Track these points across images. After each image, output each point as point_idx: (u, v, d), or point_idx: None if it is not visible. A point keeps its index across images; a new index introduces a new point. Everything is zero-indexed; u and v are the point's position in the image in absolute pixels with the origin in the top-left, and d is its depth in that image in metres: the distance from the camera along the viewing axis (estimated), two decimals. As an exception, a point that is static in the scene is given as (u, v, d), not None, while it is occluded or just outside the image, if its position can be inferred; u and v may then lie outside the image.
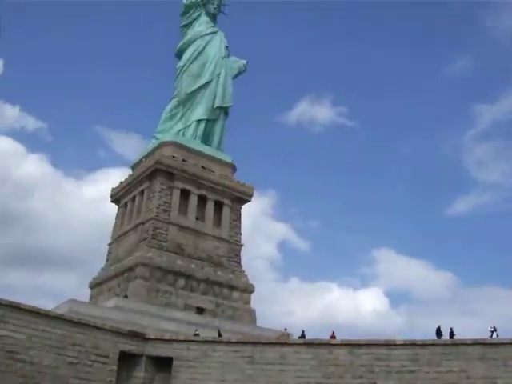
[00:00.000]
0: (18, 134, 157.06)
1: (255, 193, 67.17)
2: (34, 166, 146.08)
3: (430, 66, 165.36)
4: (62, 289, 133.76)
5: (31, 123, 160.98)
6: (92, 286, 63.79)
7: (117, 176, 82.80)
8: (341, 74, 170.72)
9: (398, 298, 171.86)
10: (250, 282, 61.64)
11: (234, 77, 70.03)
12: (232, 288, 59.55)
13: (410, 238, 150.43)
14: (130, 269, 56.16)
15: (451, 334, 38.81)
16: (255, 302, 61.68)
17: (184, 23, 71.38)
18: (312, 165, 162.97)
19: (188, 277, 56.99)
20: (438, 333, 39.77)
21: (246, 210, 67.33)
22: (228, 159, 67.35)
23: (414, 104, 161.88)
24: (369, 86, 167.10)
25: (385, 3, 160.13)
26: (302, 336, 43.55)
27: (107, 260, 64.94)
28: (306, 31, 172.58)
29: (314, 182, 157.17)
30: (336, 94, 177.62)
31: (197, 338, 41.46)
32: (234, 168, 67.19)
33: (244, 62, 71.20)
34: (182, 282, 56.52)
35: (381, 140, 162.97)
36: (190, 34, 70.17)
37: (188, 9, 70.94)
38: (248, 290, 60.88)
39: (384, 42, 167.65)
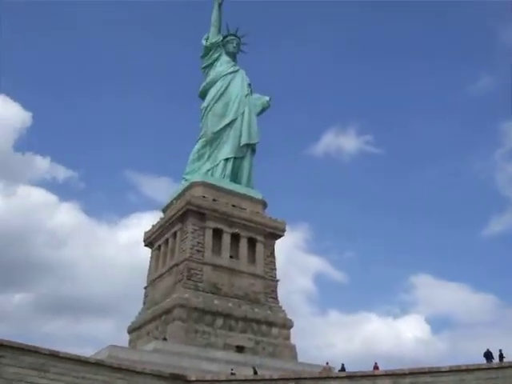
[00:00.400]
0: (49, 185, 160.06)
1: (287, 227, 67.04)
2: (66, 215, 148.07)
3: (453, 85, 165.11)
4: (100, 335, 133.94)
5: (62, 173, 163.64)
6: (130, 331, 63.81)
7: (149, 219, 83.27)
8: (364, 103, 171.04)
9: (439, 323, 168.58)
10: (289, 317, 61.07)
11: (258, 114, 70.51)
12: (270, 324, 59.06)
13: (446, 262, 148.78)
14: (168, 311, 56.08)
15: (501, 357, 37.56)
16: (295, 337, 61.15)
17: (205, 64, 72.36)
18: (343, 195, 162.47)
19: (226, 316, 56.71)
20: (488, 356, 38.46)
21: (280, 244, 67.23)
22: (258, 196, 67.41)
23: (440, 126, 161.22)
24: (392, 112, 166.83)
25: (400, 26, 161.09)
26: (342, 369, 42.95)
27: (144, 304, 64.98)
28: (325, 63, 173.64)
29: (346, 212, 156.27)
30: (361, 123, 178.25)
31: (239, 377, 40.98)
32: (264, 204, 67.18)
33: (267, 98, 71.79)
34: (220, 321, 56.25)
35: (409, 165, 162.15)
36: (212, 74, 71.07)
37: (208, 50, 71.99)
38: (287, 325, 60.29)
39: (404, 65, 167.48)
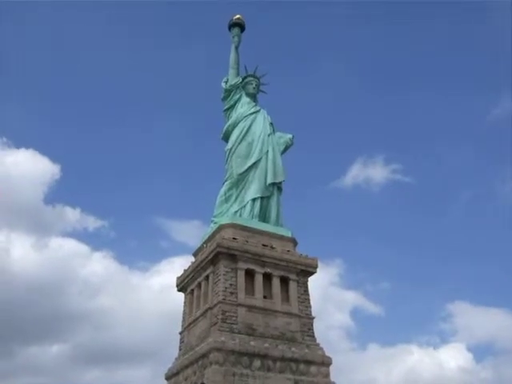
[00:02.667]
0: (81, 235, 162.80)
1: (320, 263, 66.36)
2: (99, 264, 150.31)
3: (478, 110, 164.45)
4: (137, 383, 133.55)
5: (92, 222, 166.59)
6: (168, 377, 63.37)
7: (180, 264, 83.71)
8: (389, 132, 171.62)
9: (481, 351, 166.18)
10: (327, 354, 60.04)
11: (282, 152, 70.76)
12: (309, 363, 58.03)
13: (483, 287, 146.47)
14: (204, 355, 55.54)
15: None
16: (334, 374, 59.93)
17: (226, 107, 73.29)
18: (374, 227, 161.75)
19: (263, 357, 55.93)
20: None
21: (313, 281, 66.43)
22: (288, 234, 67.12)
23: (468, 151, 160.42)
24: (418, 140, 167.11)
25: (420, 52, 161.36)
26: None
27: (180, 349, 64.62)
28: (345, 95, 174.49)
29: (378, 244, 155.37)
30: (387, 152, 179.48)
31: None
32: (294, 242, 66.85)
33: (290, 136, 72.13)
34: (257, 362, 55.51)
35: (439, 191, 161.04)
36: (234, 116, 71.74)
37: (229, 93, 73.04)
38: (325, 362, 59.27)
39: (425, 92, 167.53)
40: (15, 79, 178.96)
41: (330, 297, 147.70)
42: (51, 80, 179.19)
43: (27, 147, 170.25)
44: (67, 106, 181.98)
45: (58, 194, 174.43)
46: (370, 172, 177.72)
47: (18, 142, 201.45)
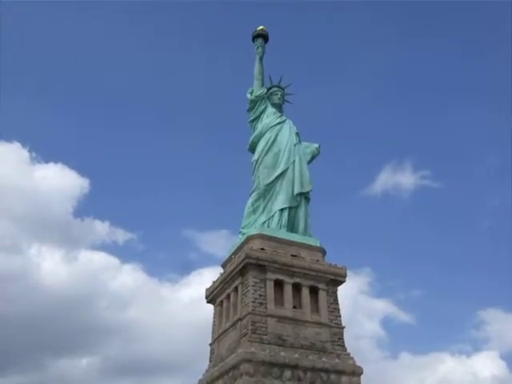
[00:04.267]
0: (110, 248, 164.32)
1: (350, 272, 65.89)
2: (129, 276, 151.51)
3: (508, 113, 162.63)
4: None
5: (121, 235, 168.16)
6: (198, 389, 63.38)
7: (209, 276, 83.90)
8: (417, 138, 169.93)
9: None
10: (358, 364, 59.52)
11: (309, 161, 70.73)
12: (340, 373, 57.55)
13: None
14: (235, 367, 55.45)
15: None
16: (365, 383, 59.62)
17: (252, 118, 73.58)
18: (403, 233, 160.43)
19: (293, 367, 55.63)
20: None
21: (343, 290, 66.15)
22: (317, 243, 66.87)
23: (496, 154, 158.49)
24: (446, 145, 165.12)
25: (445, 59, 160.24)
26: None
27: (210, 361, 64.64)
28: (370, 101, 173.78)
29: (409, 251, 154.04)
30: (416, 158, 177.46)
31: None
32: (323, 251, 66.54)
33: (316, 145, 72.16)
34: (288, 373, 55.21)
35: (469, 196, 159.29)
36: (260, 127, 71.90)
37: (254, 104, 73.32)
38: (356, 372, 58.70)
39: (455, 95, 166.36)
40: (42, 95, 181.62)
41: (360, 306, 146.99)
42: (77, 96, 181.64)
43: (56, 161, 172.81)
44: (94, 120, 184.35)
45: (87, 207, 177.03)
46: (399, 179, 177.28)
47: (47, 157, 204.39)
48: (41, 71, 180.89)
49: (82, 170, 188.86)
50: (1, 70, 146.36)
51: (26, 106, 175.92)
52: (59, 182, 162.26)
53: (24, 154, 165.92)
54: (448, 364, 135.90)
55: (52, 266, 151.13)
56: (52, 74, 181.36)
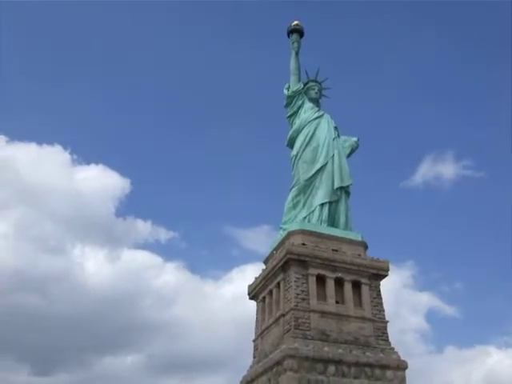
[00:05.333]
0: (153, 246, 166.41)
1: (392, 266, 65.55)
2: (172, 275, 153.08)
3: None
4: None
5: (163, 234, 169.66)
6: (243, 385, 63.68)
7: (251, 272, 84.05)
8: (458, 127, 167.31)
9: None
10: (402, 358, 59.09)
11: (348, 155, 70.39)
12: (384, 367, 57.19)
13: None
14: (278, 363, 55.56)
15: None
16: (410, 378, 58.99)
17: (290, 113, 73.32)
18: (446, 224, 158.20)
19: (337, 362, 55.49)
20: None
21: (386, 284, 65.73)
22: (358, 237, 66.49)
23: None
24: (487, 133, 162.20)
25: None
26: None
27: (254, 357, 64.89)
28: (410, 93, 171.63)
29: (452, 242, 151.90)
30: (457, 148, 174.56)
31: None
32: (365, 245, 66.15)
33: (355, 139, 71.75)
34: (332, 368, 55.08)
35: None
36: (298, 122, 71.71)
37: (291, 99, 73.09)
38: (401, 366, 58.23)
39: (496, 85, 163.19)
40: (81, 98, 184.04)
41: (403, 299, 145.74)
42: (115, 97, 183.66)
43: (97, 163, 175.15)
44: (133, 120, 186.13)
45: (128, 207, 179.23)
46: (440, 169, 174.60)
47: (88, 158, 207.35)
48: (83, 75, 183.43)
49: (123, 171, 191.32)
50: (42, 79, 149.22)
51: (67, 110, 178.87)
52: (101, 182, 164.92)
53: (65, 156, 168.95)
54: (494, 357, 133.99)
55: (96, 266, 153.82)
56: (92, 76, 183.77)
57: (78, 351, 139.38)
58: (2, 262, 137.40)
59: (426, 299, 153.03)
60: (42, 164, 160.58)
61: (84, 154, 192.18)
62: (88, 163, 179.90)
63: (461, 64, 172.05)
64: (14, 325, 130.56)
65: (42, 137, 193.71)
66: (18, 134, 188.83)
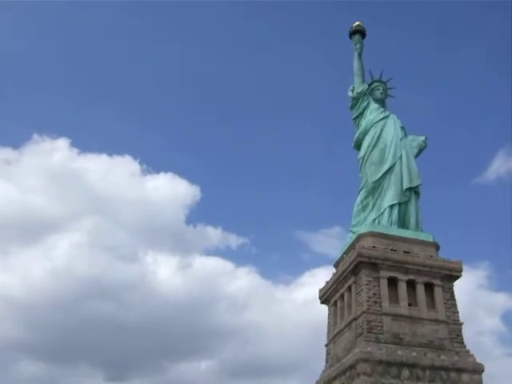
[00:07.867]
0: (224, 252, 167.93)
1: (466, 266, 64.23)
2: (244, 280, 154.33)
3: None
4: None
5: (234, 240, 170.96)
6: (316, 390, 63.53)
7: (323, 276, 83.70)
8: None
9: None
10: (478, 361, 57.65)
11: (416, 155, 69.20)
12: (460, 371, 55.92)
13: None
14: (351, 367, 55.18)
15: None
16: (487, 382, 57.51)
17: (355, 115, 72.88)
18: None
19: (411, 366, 54.65)
20: None
21: (460, 285, 64.35)
22: (429, 238, 65.36)
23: None
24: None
25: None
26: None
27: (327, 361, 64.64)
28: (479, 87, 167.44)
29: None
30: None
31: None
32: (436, 246, 64.96)
33: (423, 138, 70.56)
34: (406, 372, 54.31)
35: None
36: (364, 123, 71.12)
37: (356, 101, 72.66)
38: (477, 370, 56.80)
39: None
40: (146, 110, 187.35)
41: (478, 301, 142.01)
42: (180, 108, 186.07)
43: (166, 171, 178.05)
44: (200, 129, 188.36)
45: (198, 214, 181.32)
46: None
47: (158, 167, 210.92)
48: (145, 88, 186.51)
49: (192, 178, 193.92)
50: (110, 91, 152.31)
51: (133, 121, 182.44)
52: (171, 190, 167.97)
53: (135, 166, 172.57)
54: None
55: (168, 273, 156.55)
56: (155, 89, 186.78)
57: (152, 357, 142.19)
58: (77, 270, 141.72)
59: (502, 300, 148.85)
60: (112, 174, 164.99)
61: (153, 163, 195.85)
62: (157, 172, 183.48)
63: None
64: (89, 331, 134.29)
65: (112, 148, 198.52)
66: (88, 146, 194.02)
